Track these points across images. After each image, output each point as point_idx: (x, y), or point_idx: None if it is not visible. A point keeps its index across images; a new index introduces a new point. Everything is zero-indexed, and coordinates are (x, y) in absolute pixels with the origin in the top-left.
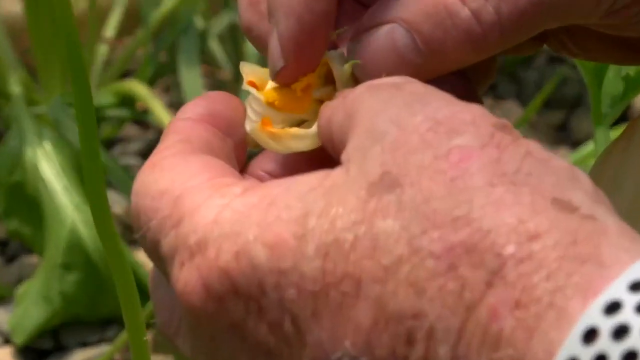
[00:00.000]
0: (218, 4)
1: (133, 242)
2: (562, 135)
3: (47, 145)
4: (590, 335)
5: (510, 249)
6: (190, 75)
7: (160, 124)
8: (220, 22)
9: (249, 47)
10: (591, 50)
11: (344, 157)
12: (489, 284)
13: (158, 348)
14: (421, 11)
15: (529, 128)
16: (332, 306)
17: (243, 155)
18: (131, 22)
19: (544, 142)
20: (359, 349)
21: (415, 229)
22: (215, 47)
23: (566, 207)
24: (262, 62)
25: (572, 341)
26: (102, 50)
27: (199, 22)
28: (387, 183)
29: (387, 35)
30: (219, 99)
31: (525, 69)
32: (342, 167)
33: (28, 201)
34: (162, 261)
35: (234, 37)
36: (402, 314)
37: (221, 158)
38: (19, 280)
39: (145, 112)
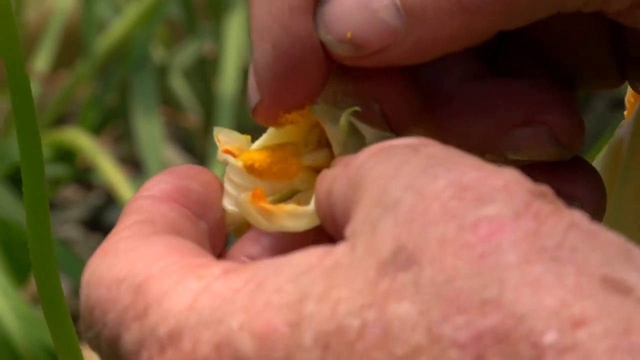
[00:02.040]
0: (182, 31)
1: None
2: None
3: None
4: None
5: (550, 338)
6: (146, 122)
7: (107, 184)
8: (186, 54)
9: (223, 85)
10: None
11: (348, 232)
12: None
13: None
14: None
15: None
16: None
17: (221, 242)
18: (70, 51)
19: None
20: None
21: (435, 314)
22: (179, 84)
23: (618, 288)
24: (238, 106)
25: None
26: (32, 88)
27: (157, 53)
28: (401, 260)
29: None
30: (188, 173)
31: (583, 115)
32: (347, 243)
33: None
34: None
35: (203, 73)
36: None
37: (191, 241)
38: None
39: (88, 169)
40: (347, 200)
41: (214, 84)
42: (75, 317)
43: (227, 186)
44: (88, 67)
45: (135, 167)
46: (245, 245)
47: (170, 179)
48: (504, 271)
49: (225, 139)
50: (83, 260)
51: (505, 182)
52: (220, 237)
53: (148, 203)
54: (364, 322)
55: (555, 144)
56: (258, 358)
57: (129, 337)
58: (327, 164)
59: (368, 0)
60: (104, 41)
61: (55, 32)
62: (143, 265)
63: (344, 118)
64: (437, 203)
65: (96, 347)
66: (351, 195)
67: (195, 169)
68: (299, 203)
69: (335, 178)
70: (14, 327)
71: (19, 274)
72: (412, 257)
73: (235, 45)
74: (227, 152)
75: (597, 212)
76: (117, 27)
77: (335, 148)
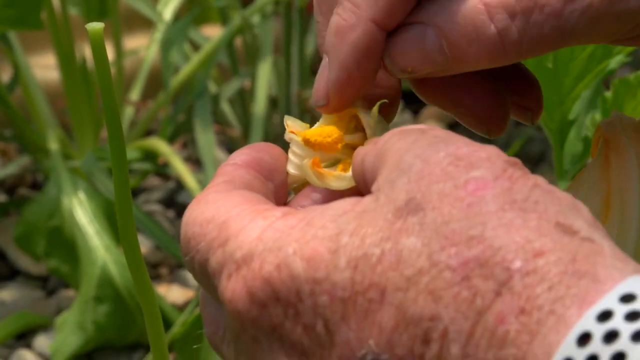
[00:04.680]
0: (228, 72)
1: (156, 278)
2: None
3: (81, 195)
4: (584, 339)
5: (517, 264)
6: (204, 133)
7: (178, 176)
8: (231, 87)
9: (256, 109)
10: None
11: (374, 187)
12: (498, 293)
13: None
14: (452, 20)
15: None
16: (359, 311)
17: (283, 198)
18: (153, 87)
19: None
20: (382, 348)
21: (435, 246)
22: (226, 108)
23: (567, 230)
24: (266, 123)
25: (568, 344)
26: (128, 111)
27: (212, 87)
28: (411, 207)
29: (418, 34)
30: (262, 148)
31: None
32: (372, 195)
33: (65, 243)
34: (209, 278)
35: (243, 100)
36: (421, 317)
37: (261, 195)
38: (58, 311)
39: (166, 165)
40: (375, 167)
41: (250, 108)
42: (157, 264)
43: (291, 156)
44: (166, 97)
45: (197, 164)
46: (300, 199)
47: (248, 151)
48: (485, 216)
49: (291, 123)
50: (161, 227)
51: (488, 155)
52: (283, 194)
53: (231, 168)
54: (382, 251)
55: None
56: (306, 274)
57: (214, 260)
58: (362, 143)
59: (422, 43)
60: (177, 79)
61: (145, 73)
62: (225, 210)
63: (375, 109)
64: (438, 167)
65: (191, 268)
66: (378, 163)
67: (266, 145)
68: (342, 170)
69: (367, 152)
70: (115, 271)
71: (118, 236)
72: (419, 205)
73: (264, 82)
74: (292, 132)
75: (538, 115)
76: (185, 70)
77: (368, 131)
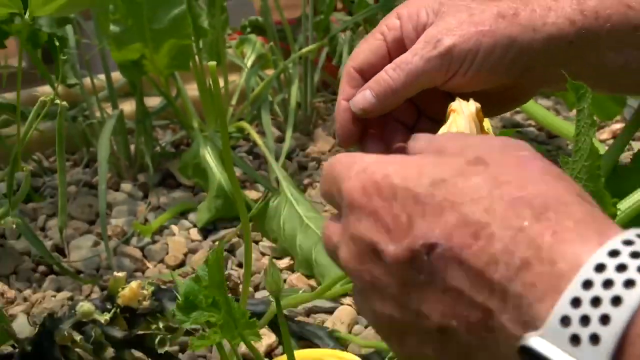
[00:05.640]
0: (277, 90)
1: (243, 188)
2: None
3: (208, 148)
4: (599, 268)
5: (553, 204)
6: (266, 119)
7: (254, 140)
8: (278, 98)
9: (290, 108)
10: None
11: (458, 151)
12: (537, 218)
13: (256, 229)
14: (373, 82)
15: None
16: (433, 212)
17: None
18: (242, 98)
19: None
20: (443, 237)
21: (493, 185)
22: (277, 108)
23: (585, 199)
24: (295, 115)
25: (589, 263)
26: (230, 110)
27: (270, 97)
28: (479, 162)
29: (363, 93)
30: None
31: None
32: (451, 153)
33: (202, 170)
34: (337, 187)
35: (284, 104)
36: (476, 222)
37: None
38: (199, 202)
39: (248, 135)
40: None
41: (287, 107)
42: (244, 181)
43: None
44: (248, 103)
45: (263, 134)
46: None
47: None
48: (530, 174)
49: (456, 105)
50: (246, 163)
51: (528, 146)
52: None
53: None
54: (456, 181)
55: None
56: (401, 185)
57: (341, 171)
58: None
59: (366, 96)
60: (253, 94)
61: (238, 91)
62: (352, 156)
63: (472, 104)
64: (497, 146)
65: (324, 192)
66: (456, 139)
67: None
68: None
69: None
70: (224, 183)
71: (225, 166)
72: (485, 161)
73: (294, 95)
74: (452, 110)
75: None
76: (257, 90)
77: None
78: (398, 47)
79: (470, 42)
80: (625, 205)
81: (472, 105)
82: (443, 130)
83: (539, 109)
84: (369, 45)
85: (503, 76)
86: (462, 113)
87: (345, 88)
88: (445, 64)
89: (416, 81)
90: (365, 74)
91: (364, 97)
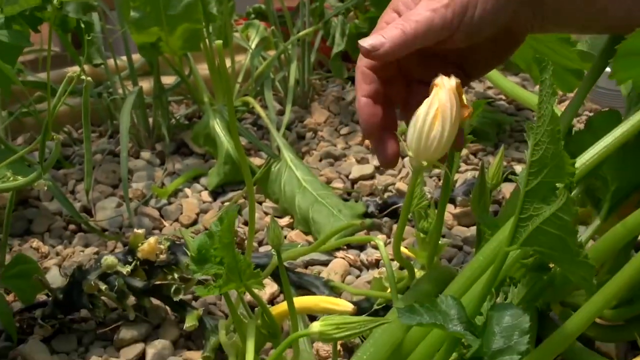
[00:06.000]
0: (278, 69)
1: (248, 155)
2: None
3: (217, 119)
4: None
5: None
6: (268, 94)
7: (258, 112)
8: (279, 75)
9: (290, 85)
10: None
11: None
12: None
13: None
14: (386, 29)
15: None
16: None
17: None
18: (246, 76)
19: None
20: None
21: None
22: (278, 84)
23: None
24: (294, 91)
25: None
26: (237, 86)
27: (271, 75)
28: None
29: (375, 35)
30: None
31: None
32: None
33: (212, 139)
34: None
35: (285, 81)
36: None
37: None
38: (209, 167)
39: (252, 108)
40: None
41: (287, 84)
42: (249, 149)
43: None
44: (251, 80)
45: (265, 108)
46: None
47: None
48: None
49: (438, 80)
50: (250, 133)
51: None
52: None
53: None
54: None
55: None
56: None
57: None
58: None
59: (377, 37)
60: (257, 72)
61: (243, 70)
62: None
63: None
64: None
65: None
66: None
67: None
68: None
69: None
70: (231, 150)
71: (231, 136)
72: None
73: (293, 73)
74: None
75: None
76: (260, 69)
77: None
78: None
79: None
80: (577, 164)
81: (452, 80)
82: (427, 102)
83: (509, 84)
84: None
85: (497, 22)
86: (444, 87)
87: (361, 85)
88: (451, 14)
89: (427, 32)
90: (377, 69)
91: (375, 37)
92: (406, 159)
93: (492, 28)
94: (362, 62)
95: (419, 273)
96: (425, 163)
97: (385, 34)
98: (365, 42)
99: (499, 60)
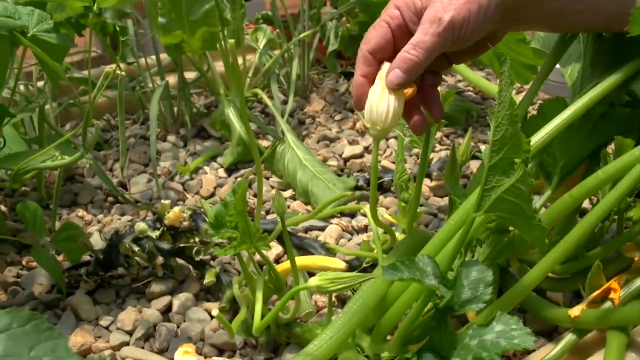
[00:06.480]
0: (282, 65)
1: (257, 138)
2: None
3: (231, 108)
4: None
5: None
6: (273, 87)
7: (265, 102)
8: (283, 71)
9: (292, 78)
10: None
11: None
12: None
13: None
14: (400, 62)
15: None
16: None
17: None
18: (255, 71)
19: None
20: None
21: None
22: (282, 78)
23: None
24: (296, 84)
25: None
26: (247, 80)
27: (276, 71)
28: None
29: (394, 72)
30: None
31: None
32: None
33: (227, 125)
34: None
35: (288, 75)
36: None
37: None
38: (224, 149)
39: (261, 98)
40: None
41: (290, 78)
42: (258, 133)
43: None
44: (260, 75)
45: (271, 98)
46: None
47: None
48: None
49: (381, 72)
50: (259, 119)
51: None
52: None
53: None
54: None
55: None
56: None
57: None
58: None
59: (397, 74)
60: (264, 68)
61: (253, 66)
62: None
63: None
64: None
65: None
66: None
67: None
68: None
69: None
70: (243, 134)
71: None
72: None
73: (295, 68)
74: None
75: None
76: (267, 65)
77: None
78: (401, 31)
79: (463, 12)
80: (532, 143)
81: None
82: (372, 89)
83: (475, 77)
84: (377, 32)
85: (487, 28)
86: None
87: (360, 66)
88: (450, 34)
89: (433, 53)
90: (376, 54)
91: (396, 75)
92: (390, 141)
93: (480, 36)
94: (365, 47)
95: (400, 236)
96: (379, 127)
97: (402, 67)
98: (392, 84)
99: (481, 52)
